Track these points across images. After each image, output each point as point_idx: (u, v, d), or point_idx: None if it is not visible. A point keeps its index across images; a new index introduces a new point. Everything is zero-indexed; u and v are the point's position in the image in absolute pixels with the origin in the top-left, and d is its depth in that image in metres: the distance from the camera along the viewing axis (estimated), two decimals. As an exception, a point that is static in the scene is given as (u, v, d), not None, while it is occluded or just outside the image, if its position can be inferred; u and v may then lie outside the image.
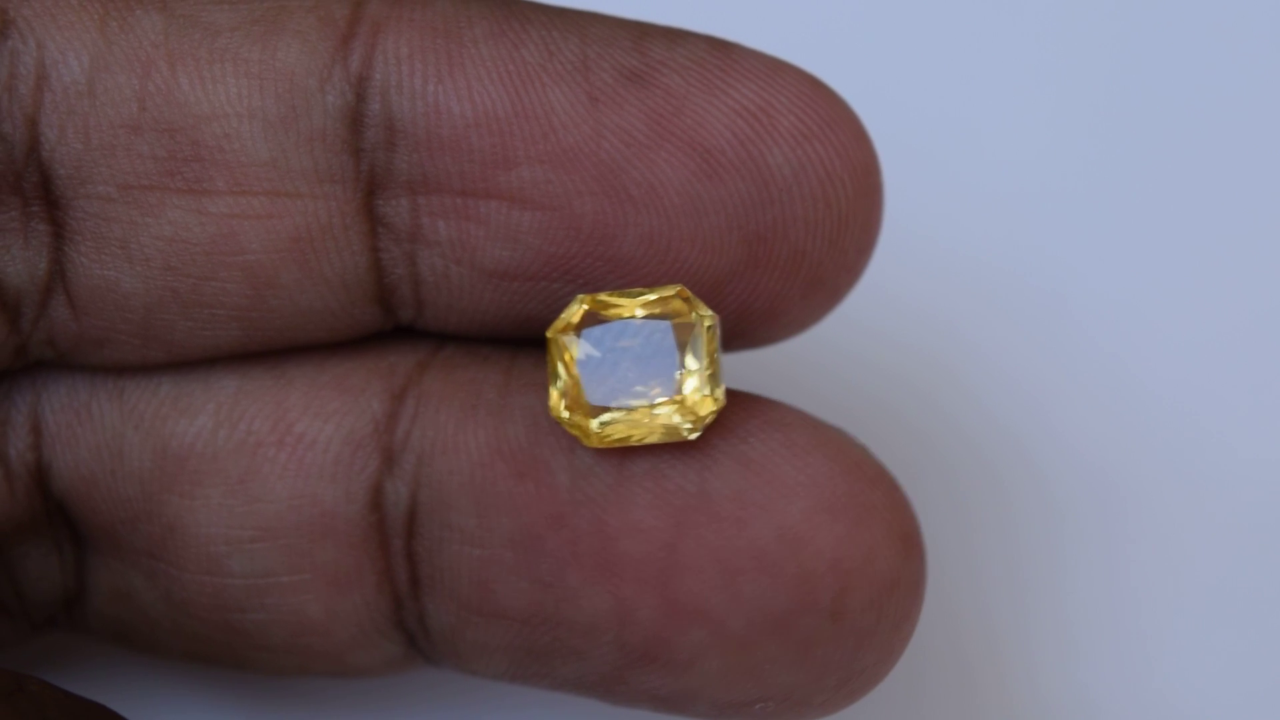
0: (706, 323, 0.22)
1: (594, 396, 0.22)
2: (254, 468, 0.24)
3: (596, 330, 0.22)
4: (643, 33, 0.23)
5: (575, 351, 0.22)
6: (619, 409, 0.22)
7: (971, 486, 0.29)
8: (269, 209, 0.23)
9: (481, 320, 0.24)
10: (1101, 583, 0.29)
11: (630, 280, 0.23)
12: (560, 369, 0.22)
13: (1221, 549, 0.29)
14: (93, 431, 0.24)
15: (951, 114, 0.31)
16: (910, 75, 0.31)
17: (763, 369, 0.25)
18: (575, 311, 0.22)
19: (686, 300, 0.22)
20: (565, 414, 0.22)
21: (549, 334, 0.22)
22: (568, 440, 0.23)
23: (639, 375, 0.22)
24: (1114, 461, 0.29)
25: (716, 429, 0.23)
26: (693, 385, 0.22)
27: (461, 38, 0.23)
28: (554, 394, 0.22)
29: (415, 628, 0.24)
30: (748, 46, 0.23)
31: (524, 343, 0.24)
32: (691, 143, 0.22)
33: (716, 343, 0.22)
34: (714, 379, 0.22)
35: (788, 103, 0.23)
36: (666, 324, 0.22)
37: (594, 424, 0.22)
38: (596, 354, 0.22)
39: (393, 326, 0.24)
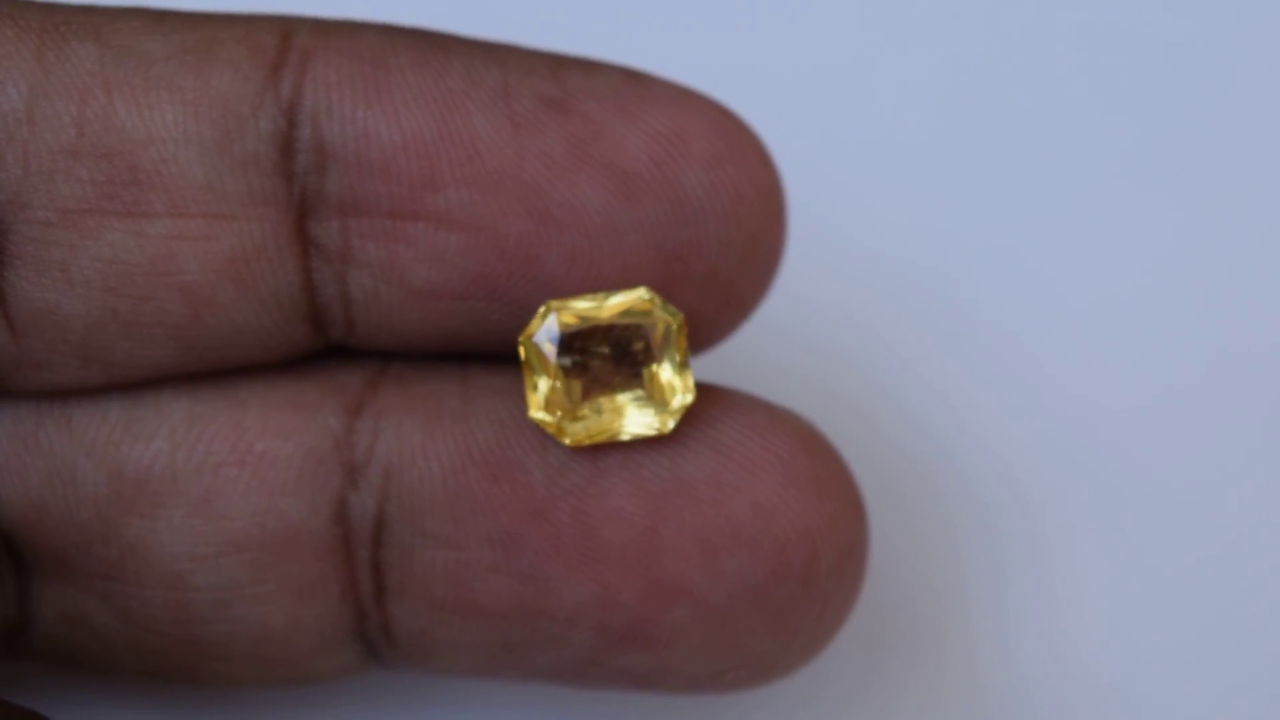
0: (675, 322, 0.23)
1: (570, 398, 0.23)
2: (216, 487, 0.24)
3: (568, 334, 0.23)
4: (559, 63, 0.24)
5: (549, 355, 0.23)
6: (595, 409, 0.23)
7: (893, 465, 0.31)
8: (206, 231, 0.23)
9: (410, 338, 0.24)
10: (1026, 548, 0.30)
11: (558, 297, 0.24)
12: (536, 373, 0.23)
13: (1144, 534, 0.30)
14: (42, 460, 0.24)
15: (855, 132, 0.33)
16: (806, 99, 0.33)
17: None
18: (546, 316, 0.23)
19: (653, 301, 0.23)
20: (544, 416, 0.23)
21: (522, 339, 0.23)
22: (539, 440, 0.24)
23: (612, 374, 0.23)
24: (1033, 442, 0.31)
25: (683, 418, 0.24)
26: (665, 381, 0.23)
27: (388, 66, 0.23)
28: (532, 397, 0.23)
29: (376, 635, 0.25)
30: (659, 76, 0.25)
31: (463, 357, 0.25)
32: (610, 166, 0.23)
33: (684, 339, 0.23)
34: (684, 374, 0.23)
35: (700, 128, 0.24)
36: (636, 324, 0.23)
37: (573, 424, 0.23)
38: (570, 357, 0.23)
39: (324, 345, 0.25)
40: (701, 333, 0.25)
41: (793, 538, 0.24)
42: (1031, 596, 0.30)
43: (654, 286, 0.24)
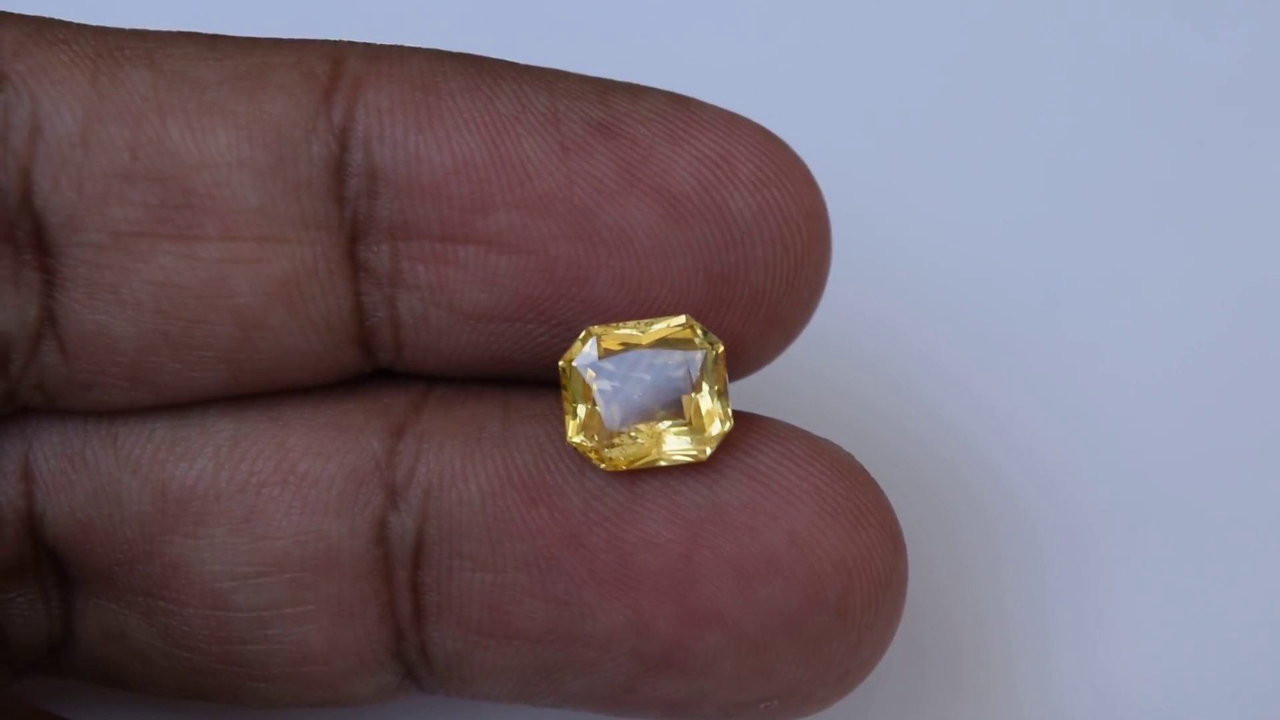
0: (716, 348, 0.24)
1: (609, 422, 0.23)
2: (258, 506, 0.24)
3: (609, 359, 0.23)
4: (607, 88, 0.24)
5: (589, 380, 0.23)
6: (634, 434, 0.23)
7: (935, 493, 0.31)
8: (257, 254, 0.24)
9: (458, 361, 0.25)
10: (1070, 579, 0.30)
11: (602, 321, 0.24)
12: (575, 397, 0.23)
13: (1185, 551, 0.30)
14: (88, 478, 0.25)
15: (892, 152, 0.33)
16: (847, 122, 0.33)
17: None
18: (586, 342, 0.23)
19: (693, 328, 0.23)
20: (582, 440, 0.23)
21: (562, 363, 0.23)
22: (577, 465, 0.24)
23: (651, 401, 0.24)
24: (1076, 470, 0.31)
25: (720, 445, 0.24)
26: (704, 408, 0.23)
27: (439, 91, 0.24)
28: (570, 422, 0.23)
29: (414, 656, 0.25)
30: (704, 101, 0.25)
31: (506, 381, 0.25)
32: (658, 189, 0.24)
33: (723, 367, 0.24)
34: (723, 401, 0.24)
35: (746, 152, 0.24)
36: (677, 351, 0.23)
37: (611, 449, 0.23)
38: (610, 382, 0.23)
39: (371, 369, 0.25)
40: (747, 355, 0.25)
41: (828, 568, 0.24)
42: (1074, 626, 0.30)
43: (701, 309, 0.24)
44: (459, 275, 0.24)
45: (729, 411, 0.24)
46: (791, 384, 0.30)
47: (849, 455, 0.25)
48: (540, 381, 0.25)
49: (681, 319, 0.24)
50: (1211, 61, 0.35)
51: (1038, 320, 0.32)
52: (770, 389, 0.28)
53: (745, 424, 0.24)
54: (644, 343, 0.24)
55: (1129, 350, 0.32)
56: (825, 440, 0.25)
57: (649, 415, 0.24)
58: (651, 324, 0.24)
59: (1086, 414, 0.31)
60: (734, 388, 0.25)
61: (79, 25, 0.24)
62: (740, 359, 0.25)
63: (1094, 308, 0.33)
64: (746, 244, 0.24)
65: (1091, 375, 0.32)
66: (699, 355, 0.23)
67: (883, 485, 0.25)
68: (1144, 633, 0.30)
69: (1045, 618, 0.30)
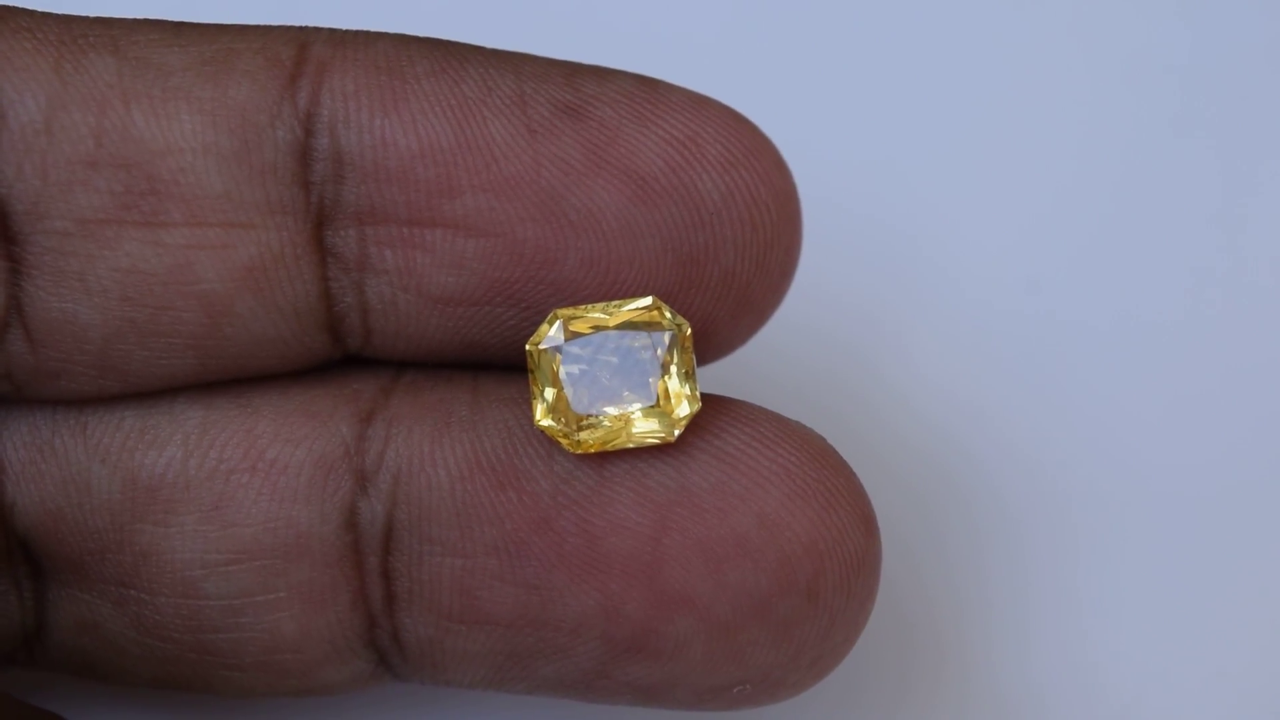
0: (683, 329, 0.23)
1: (577, 405, 0.23)
2: (228, 493, 0.24)
3: (576, 342, 0.23)
4: (574, 70, 0.24)
5: (557, 363, 0.23)
6: (602, 416, 0.23)
7: (910, 477, 0.31)
8: (224, 240, 0.23)
9: (428, 346, 0.25)
10: (1048, 561, 0.30)
11: (571, 303, 0.24)
12: (542, 380, 0.23)
13: (1159, 540, 0.30)
14: (57, 467, 0.24)
15: (863, 134, 0.33)
16: (814, 103, 0.33)
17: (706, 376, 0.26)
18: (553, 324, 0.23)
19: (660, 310, 0.23)
20: (550, 423, 0.23)
21: (529, 347, 0.23)
22: (546, 449, 0.24)
23: (619, 383, 0.23)
24: (1054, 453, 0.31)
25: (689, 428, 0.24)
26: (671, 390, 0.23)
27: (404, 75, 0.24)
28: (538, 405, 0.23)
29: (387, 644, 0.25)
30: (671, 83, 0.25)
31: (475, 366, 0.25)
32: (626, 170, 0.24)
33: (690, 348, 0.23)
34: (690, 383, 0.23)
35: (714, 133, 0.24)
36: (643, 333, 0.23)
37: (579, 432, 0.23)
38: (577, 364, 0.23)
39: (340, 355, 0.25)
40: (718, 338, 0.25)
41: (798, 550, 0.24)
42: (1052, 606, 0.30)
43: (670, 290, 0.24)
44: (427, 259, 0.24)
45: (697, 393, 0.24)
46: (764, 369, 0.30)
47: (820, 438, 0.25)
48: (510, 366, 0.25)
49: (648, 300, 0.23)
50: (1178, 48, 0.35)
51: (1014, 303, 0.32)
52: (743, 373, 0.28)
53: (714, 406, 0.24)
54: (611, 325, 0.23)
55: (1106, 332, 0.32)
56: (796, 423, 0.25)
57: (617, 398, 0.23)
58: (619, 306, 0.24)
59: (1063, 396, 0.32)
60: (705, 372, 0.25)
61: (42, 14, 0.24)
62: (712, 341, 0.25)
63: (1072, 289, 0.33)
64: (715, 225, 0.24)
65: (1068, 358, 0.32)
66: (666, 337, 0.23)
67: (857, 470, 0.25)
68: (1122, 615, 0.30)
69: (1024, 600, 0.30)
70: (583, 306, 0.24)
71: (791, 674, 0.25)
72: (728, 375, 0.27)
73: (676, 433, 0.23)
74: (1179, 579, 0.30)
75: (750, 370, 0.28)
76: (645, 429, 0.23)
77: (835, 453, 0.24)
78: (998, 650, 0.30)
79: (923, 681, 0.30)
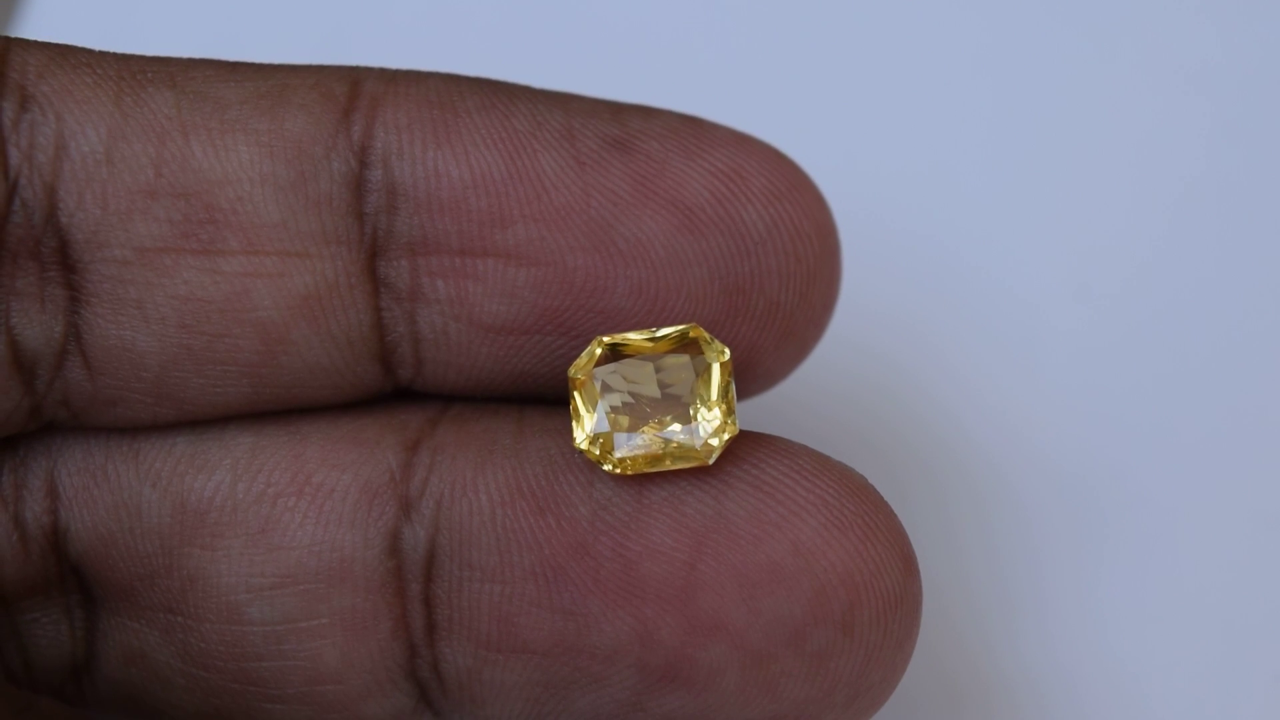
0: (722, 357, 0.24)
1: (617, 428, 0.24)
2: (274, 517, 0.25)
3: (618, 367, 0.24)
4: (619, 107, 0.25)
5: (598, 388, 0.24)
6: (641, 439, 0.24)
7: (951, 514, 0.31)
8: (280, 268, 0.24)
9: (478, 376, 0.25)
10: (1074, 589, 0.30)
11: (619, 331, 0.24)
12: (583, 404, 0.24)
13: (1181, 544, 0.31)
14: (110, 491, 0.25)
15: (892, 164, 0.34)
16: (852, 143, 0.34)
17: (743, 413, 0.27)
18: (596, 350, 0.24)
19: (701, 336, 0.24)
20: (590, 446, 0.24)
21: (571, 372, 0.24)
22: (586, 475, 0.24)
23: (659, 407, 0.24)
24: (1081, 468, 0.31)
25: (728, 458, 0.24)
26: (710, 415, 0.24)
27: (456, 109, 0.24)
28: (578, 429, 0.24)
29: (428, 676, 0.25)
30: (713, 121, 0.25)
31: (523, 400, 0.25)
32: (673, 201, 0.24)
33: (730, 375, 0.24)
34: (729, 408, 0.24)
35: (757, 167, 0.24)
36: (685, 359, 0.24)
37: (618, 454, 0.24)
38: (618, 390, 0.24)
39: (391, 387, 0.25)
40: (762, 368, 0.25)
41: (833, 580, 0.24)
42: (1080, 621, 0.30)
43: (716, 319, 0.24)
44: (478, 289, 0.24)
45: (735, 418, 0.24)
46: (804, 397, 0.30)
47: (859, 475, 0.25)
48: (556, 399, 0.25)
49: (688, 327, 0.24)
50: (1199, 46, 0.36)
51: (1053, 332, 0.33)
52: (784, 402, 0.28)
53: (753, 440, 0.25)
54: (652, 351, 0.24)
55: (1152, 341, 0.32)
56: (836, 460, 0.25)
57: (657, 421, 0.24)
58: (660, 332, 0.24)
59: (1101, 422, 0.32)
60: (748, 405, 0.26)
61: (101, 52, 0.24)
62: (755, 371, 0.25)
63: (1109, 311, 0.33)
64: (760, 255, 0.24)
65: (1114, 369, 0.32)
66: (706, 362, 0.24)
67: (897, 505, 0.25)
68: (1150, 627, 0.30)
69: (1049, 613, 0.30)
70: (625, 333, 0.24)
71: (828, 711, 0.25)
72: (771, 407, 0.27)
73: (714, 458, 0.24)
74: (1198, 579, 0.30)
75: (790, 400, 0.29)
76: (684, 453, 0.24)
77: (874, 490, 0.25)
78: (1032, 667, 0.30)
79: (958, 700, 0.30)
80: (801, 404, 0.29)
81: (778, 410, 0.27)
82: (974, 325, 0.33)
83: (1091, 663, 0.30)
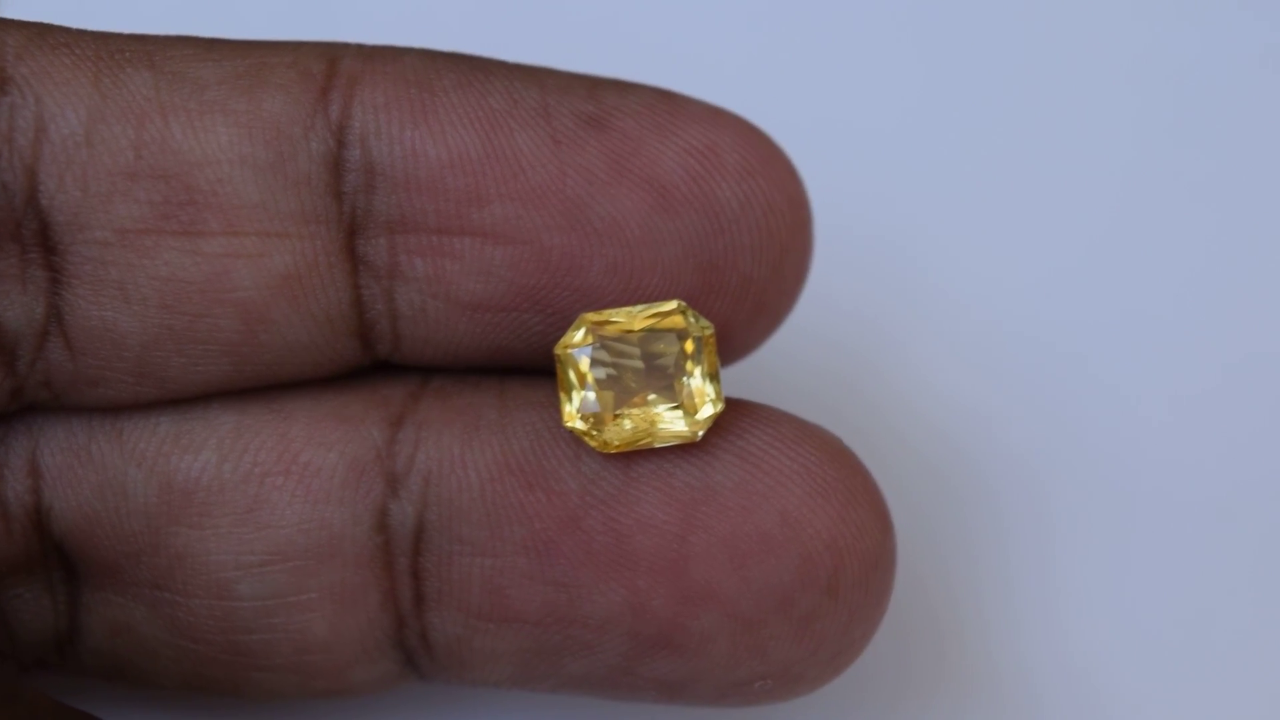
0: (706, 332, 0.24)
1: (604, 407, 0.24)
2: (262, 496, 0.25)
3: (603, 345, 0.24)
4: (595, 83, 0.25)
5: (584, 365, 0.24)
6: (628, 417, 0.24)
7: (915, 479, 0.31)
8: (260, 248, 0.24)
9: (455, 352, 0.25)
10: (1034, 558, 0.31)
11: (596, 308, 0.25)
12: (571, 382, 0.24)
13: (1152, 539, 0.31)
14: (94, 471, 0.25)
15: (869, 144, 0.34)
16: (825, 117, 0.34)
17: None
18: (580, 328, 0.24)
19: (684, 313, 0.24)
20: (578, 424, 0.24)
21: (557, 350, 0.24)
22: (573, 450, 0.25)
23: (645, 384, 0.24)
24: (1050, 456, 0.32)
25: (712, 429, 0.24)
26: (695, 391, 0.24)
27: (432, 88, 0.24)
28: (566, 407, 0.24)
29: (415, 643, 0.26)
30: (688, 95, 0.26)
31: (502, 371, 0.26)
32: (648, 180, 0.24)
33: (714, 350, 0.24)
34: (714, 384, 0.24)
35: (731, 143, 0.25)
36: (669, 335, 0.24)
37: (607, 431, 0.24)
38: (604, 367, 0.24)
39: (370, 361, 0.26)
40: (735, 341, 0.26)
41: (819, 546, 0.24)
42: (1041, 603, 0.31)
43: (691, 296, 0.25)
44: (456, 267, 0.24)
45: (720, 393, 0.24)
46: (779, 371, 0.30)
47: (837, 439, 0.25)
48: (536, 370, 0.26)
49: (673, 304, 0.24)
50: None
51: (1015, 304, 0.33)
52: (758, 376, 0.29)
53: (736, 409, 0.25)
54: (636, 328, 0.24)
55: (1105, 335, 0.33)
56: (815, 425, 0.25)
57: (642, 398, 0.24)
58: (643, 309, 0.24)
59: (1061, 403, 0.32)
60: (723, 374, 0.26)
61: (79, 30, 0.24)
62: (729, 344, 0.26)
63: (1070, 296, 0.33)
64: (734, 231, 0.24)
65: (1063, 362, 0.33)
66: (690, 339, 0.24)
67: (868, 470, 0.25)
68: (1109, 604, 0.31)
69: (1015, 595, 0.31)
70: (609, 311, 0.24)
71: (812, 668, 0.25)
72: (744, 377, 0.28)
73: (701, 433, 0.24)
74: (1177, 580, 0.31)
75: (763, 373, 0.29)
76: (670, 429, 0.24)
77: (851, 453, 0.25)
78: (993, 641, 0.30)
79: (921, 671, 0.30)
80: (770, 367, 0.29)
81: (747, 373, 0.28)
82: (934, 313, 0.33)
83: (1050, 649, 0.30)
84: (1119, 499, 0.31)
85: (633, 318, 0.24)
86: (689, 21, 0.35)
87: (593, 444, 0.24)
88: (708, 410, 0.24)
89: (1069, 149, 0.35)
